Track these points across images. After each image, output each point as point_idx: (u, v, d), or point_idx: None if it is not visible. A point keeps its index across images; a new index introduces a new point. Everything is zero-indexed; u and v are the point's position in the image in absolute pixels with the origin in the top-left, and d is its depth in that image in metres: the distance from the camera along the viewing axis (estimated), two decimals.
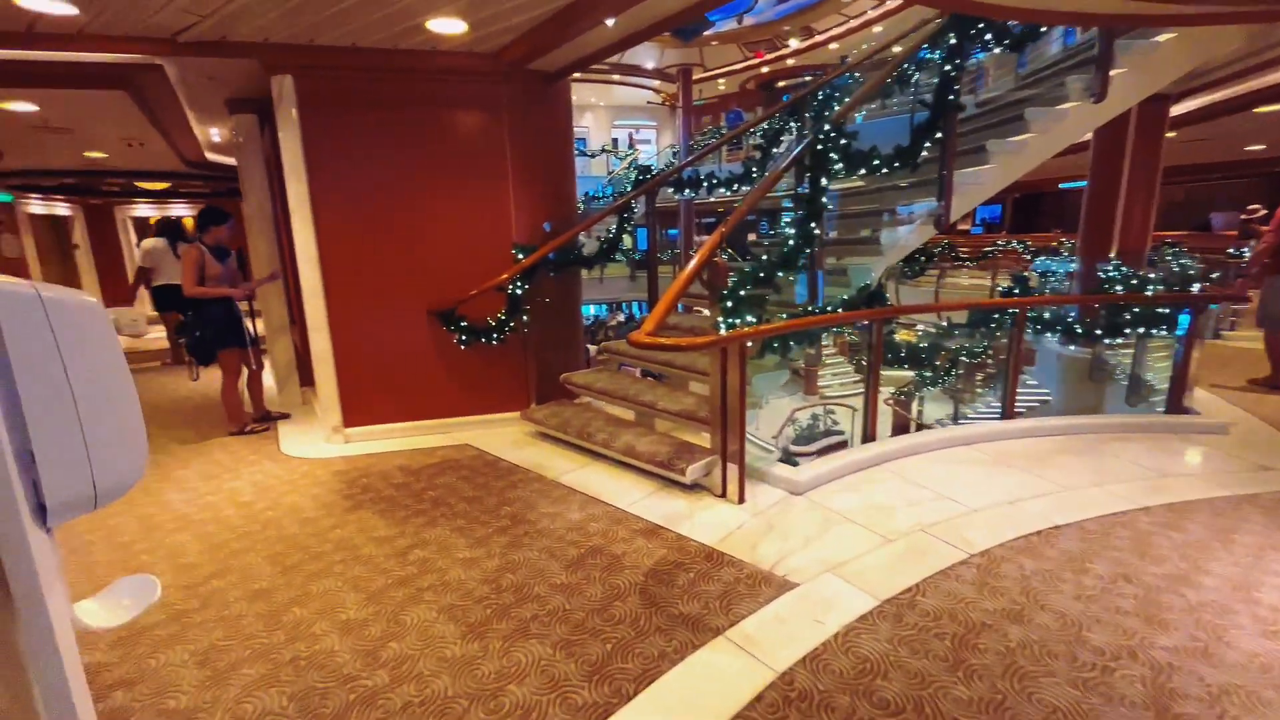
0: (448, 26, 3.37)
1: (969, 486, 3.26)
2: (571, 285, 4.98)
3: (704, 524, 2.99)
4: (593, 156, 18.84)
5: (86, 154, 7.26)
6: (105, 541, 3.07)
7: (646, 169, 4.85)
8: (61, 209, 12.60)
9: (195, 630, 2.32)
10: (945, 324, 4.53)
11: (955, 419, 7.73)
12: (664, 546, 2.80)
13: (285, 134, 4.01)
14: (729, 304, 3.12)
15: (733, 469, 3.18)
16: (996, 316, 4.20)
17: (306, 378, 5.55)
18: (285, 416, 5.12)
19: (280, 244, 5.29)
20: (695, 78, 18.44)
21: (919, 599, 2.33)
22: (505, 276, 4.17)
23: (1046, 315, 4.31)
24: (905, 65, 4.45)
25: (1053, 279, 6.64)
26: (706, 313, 4.24)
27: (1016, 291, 4.17)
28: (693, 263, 3.04)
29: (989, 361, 5.66)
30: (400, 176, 4.19)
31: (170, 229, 7.42)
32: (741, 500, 3.16)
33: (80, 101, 4.77)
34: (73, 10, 2.82)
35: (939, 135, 3.84)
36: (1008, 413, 4.17)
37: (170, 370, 7.28)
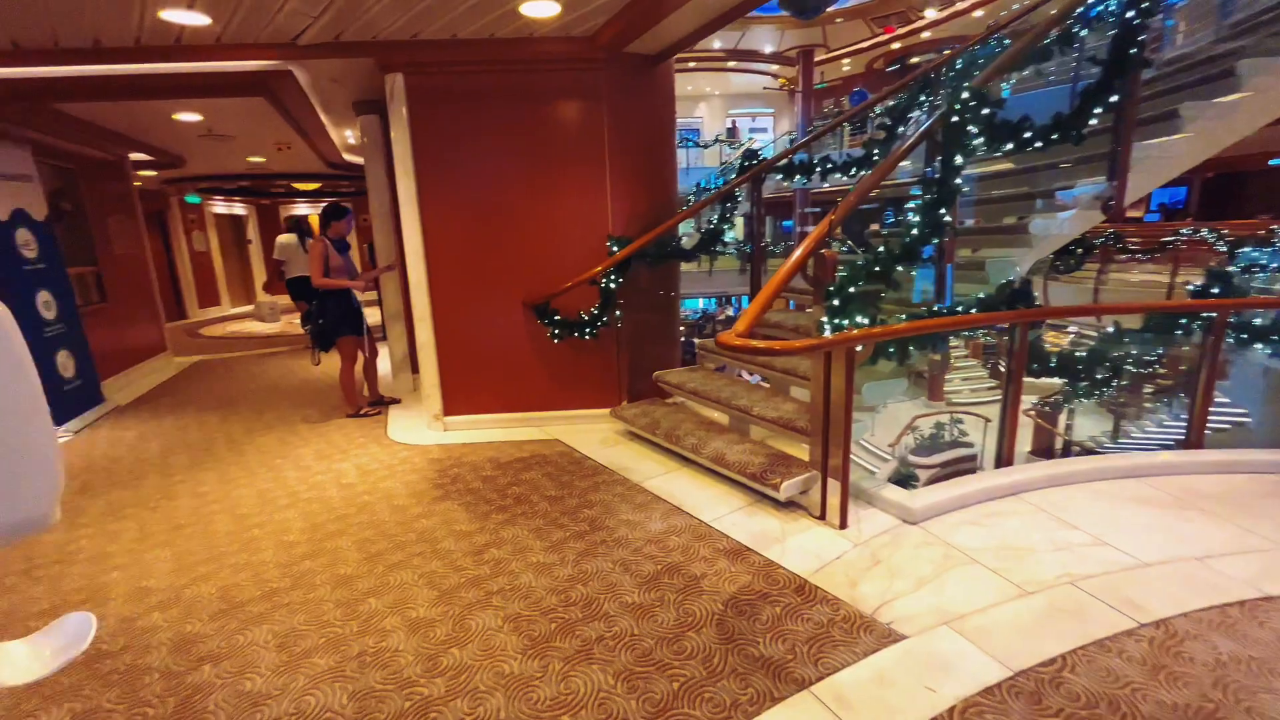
0: (540, 10, 3.27)
1: (1138, 532, 2.64)
2: (668, 278, 4.76)
3: (797, 550, 2.66)
4: (705, 147, 18.49)
5: (249, 159, 8.17)
6: (227, 513, 3.32)
7: (753, 154, 4.51)
8: (239, 208, 14.45)
9: (281, 612, 2.40)
10: (1110, 329, 3.76)
11: (1115, 439, 6.58)
12: (749, 572, 2.51)
13: (396, 131, 4.15)
14: (835, 302, 2.74)
15: (834, 487, 2.81)
16: (1184, 321, 3.40)
17: (418, 365, 5.83)
18: (396, 401, 5.39)
19: (397, 239, 5.56)
20: (817, 59, 17.45)
21: (1066, 675, 1.87)
22: (598, 269, 4.05)
23: (1258, 321, 3.44)
24: (1069, 20, 3.73)
25: (1261, 274, 5.40)
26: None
27: (1215, 291, 3.35)
28: (794, 255, 2.70)
29: (1162, 373, 4.70)
30: (498, 170, 4.20)
31: (298, 226, 8.21)
32: (843, 525, 2.78)
33: (231, 109, 5.30)
34: (206, 20, 3.06)
35: (1114, 99, 3.15)
36: (1194, 440, 3.38)
37: (301, 355, 8.04)
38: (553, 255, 4.31)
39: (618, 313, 4.25)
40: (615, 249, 4.13)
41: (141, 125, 5.88)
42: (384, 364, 6.25)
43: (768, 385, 3.98)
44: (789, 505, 3.04)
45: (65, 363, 5.13)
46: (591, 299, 4.22)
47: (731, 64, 17.56)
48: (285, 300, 13.39)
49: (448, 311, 4.40)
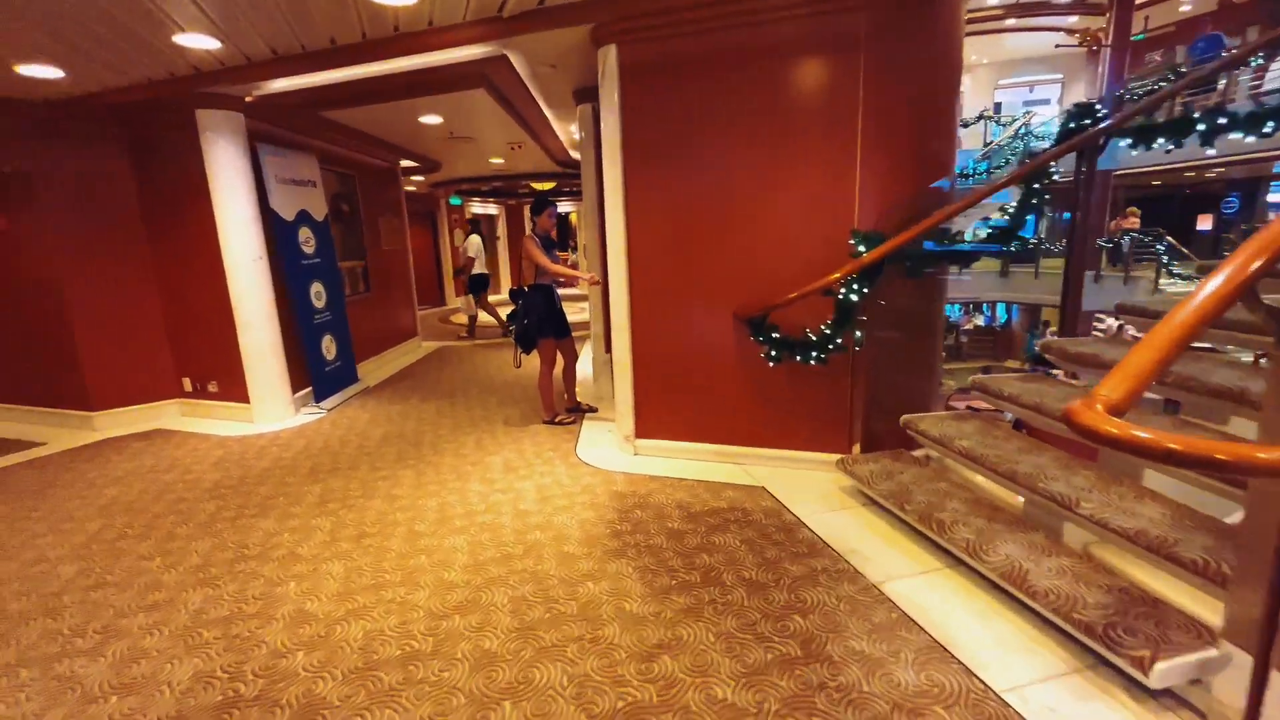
0: None
1: None
2: (931, 290, 3.56)
3: None
4: (965, 126, 15.59)
5: (491, 160, 8.73)
6: (406, 526, 3.15)
7: (1089, 108, 3.04)
8: (491, 208, 16.17)
9: (412, 690, 1.97)
10: None
11: None
12: None
13: (606, 113, 3.66)
14: None
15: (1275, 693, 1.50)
16: None
17: (614, 377, 5.43)
18: (593, 410, 5.04)
19: (601, 238, 5.20)
20: (1139, 1, 13.46)
21: None
22: (836, 276, 3.06)
23: None
24: None
25: None
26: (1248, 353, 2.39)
27: None
28: (1236, 265, 1.44)
29: None
30: (716, 152, 3.45)
31: (479, 226, 9.19)
32: None
33: (465, 109, 5.42)
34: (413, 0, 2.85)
35: None
36: None
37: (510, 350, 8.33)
38: (776, 257, 3.44)
39: (858, 332, 3.21)
40: (862, 248, 3.09)
41: (398, 130, 6.42)
42: (585, 365, 6.01)
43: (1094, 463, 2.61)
44: (1163, 695, 1.76)
45: (329, 346, 5.78)
46: (824, 312, 3.25)
47: (1011, 21, 14.47)
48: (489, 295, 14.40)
49: (647, 321, 3.81)
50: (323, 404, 5.49)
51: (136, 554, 2.98)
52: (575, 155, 8.21)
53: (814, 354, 3.25)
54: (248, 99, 4.58)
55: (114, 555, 2.98)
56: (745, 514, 3.09)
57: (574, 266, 5.18)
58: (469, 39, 3.31)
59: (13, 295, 5.19)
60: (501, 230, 16.61)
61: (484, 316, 9.69)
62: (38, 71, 3.65)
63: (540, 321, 4.50)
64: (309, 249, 5.56)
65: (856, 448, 3.44)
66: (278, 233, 5.15)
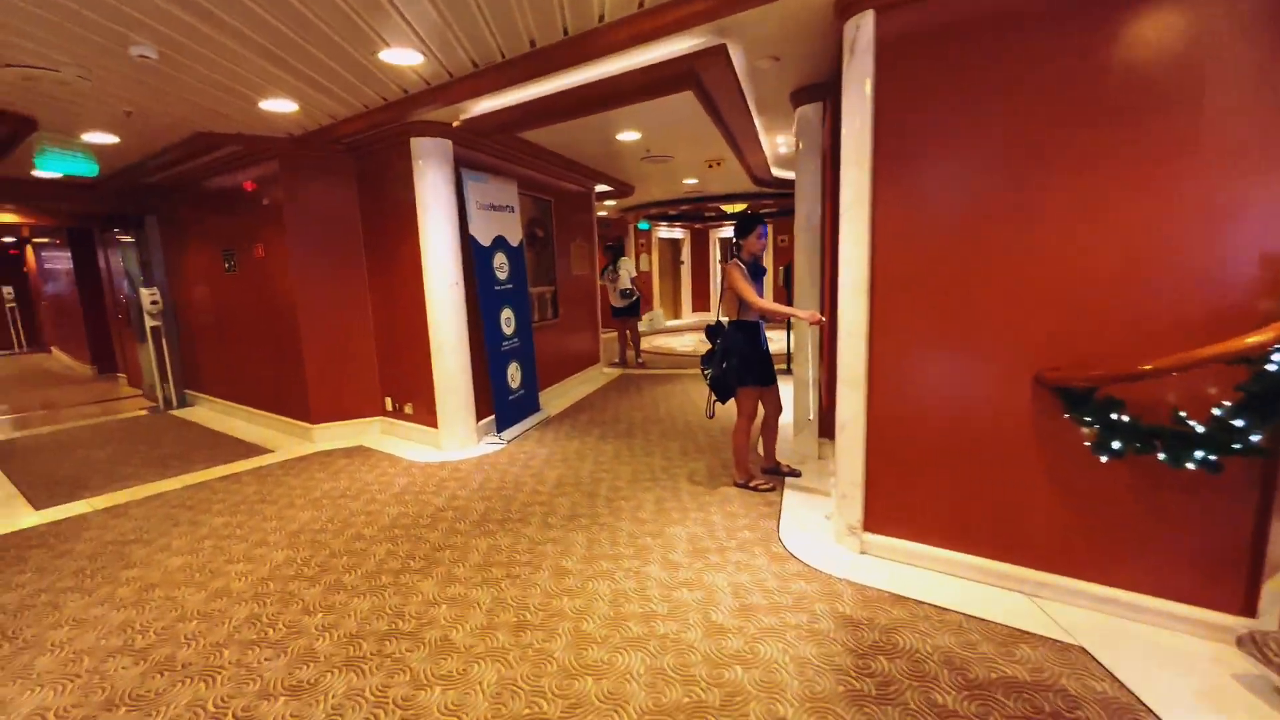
0: None
1: None
2: None
3: None
4: None
5: (685, 181, 8.28)
6: (572, 622, 2.53)
7: None
8: (677, 232, 15.99)
9: None
10: None
11: None
12: None
13: (850, 104, 2.80)
14: None
15: None
16: None
17: (828, 427, 4.43)
18: (795, 474, 4.12)
19: (824, 261, 4.28)
20: None
21: None
22: (1271, 336, 1.82)
23: None
24: None
25: None
26: None
27: None
28: None
29: None
30: (1012, 144, 2.40)
31: (622, 248, 8.87)
32: None
33: (665, 121, 4.91)
34: None
35: None
36: None
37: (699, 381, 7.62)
38: (1120, 298, 2.26)
39: None
40: None
41: (594, 151, 6.16)
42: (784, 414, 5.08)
43: None
44: None
45: (514, 374, 5.62)
46: (1223, 389, 2.01)
47: None
48: (697, 317, 13.90)
49: (892, 374, 2.82)
50: (504, 434, 5.30)
51: (302, 604, 2.76)
52: (777, 173, 7.39)
53: (1200, 454, 2.01)
54: (454, 123, 4.53)
55: (284, 601, 2.79)
56: (1067, 700, 1.96)
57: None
58: (684, 20, 2.70)
59: (266, 316, 5.80)
60: (686, 255, 16.34)
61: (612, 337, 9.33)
62: (276, 106, 3.83)
63: (742, 366, 3.72)
64: (502, 274, 5.46)
65: (1263, 603, 2.10)
66: (474, 258, 5.08)
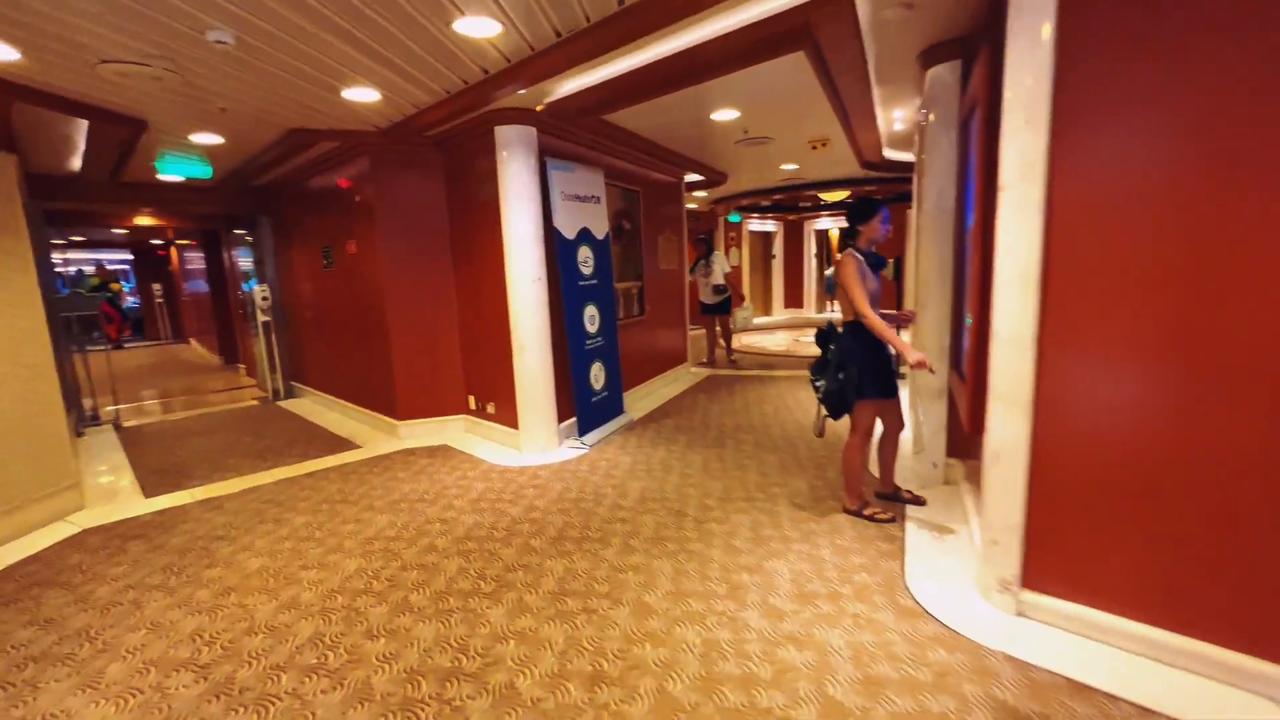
0: None
1: None
2: None
3: None
4: None
5: (782, 166, 7.64)
6: (658, 680, 2.14)
7: None
8: (769, 225, 15.21)
9: None
10: None
11: None
12: None
13: (1018, 51, 2.19)
14: None
15: None
16: None
17: (957, 445, 3.77)
18: (919, 501, 3.51)
19: (960, 250, 3.60)
20: None
21: None
22: None
23: None
24: None
25: None
26: None
27: None
28: None
29: None
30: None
31: (712, 241, 8.31)
32: None
33: (769, 95, 4.39)
34: None
35: None
36: None
37: (799, 383, 6.98)
38: None
39: None
40: None
41: (687, 135, 5.73)
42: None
43: None
44: None
45: (597, 374, 5.32)
46: None
47: None
48: (790, 314, 13.16)
49: (1072, 390, 2.19)
50: (585, 439, 5.01)
51: (367, 625, 2.56)
52: (891, 154, 6.62)
53: None
54: (538, 108, 4.26)
55: (349, 620, 2.61)
56: None
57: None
58: None
59: (358, 312, 5.86)
60: (778, 248, 15.52)
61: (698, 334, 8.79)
62: (358, 95, 3.70)
63: (862, 376, 3.17)
64: (587, 269, 5.16)
65: None
66: (558, 252, 4.81)
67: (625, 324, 6.20)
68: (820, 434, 3.44)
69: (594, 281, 5.25)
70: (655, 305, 6.99)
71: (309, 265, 6.75)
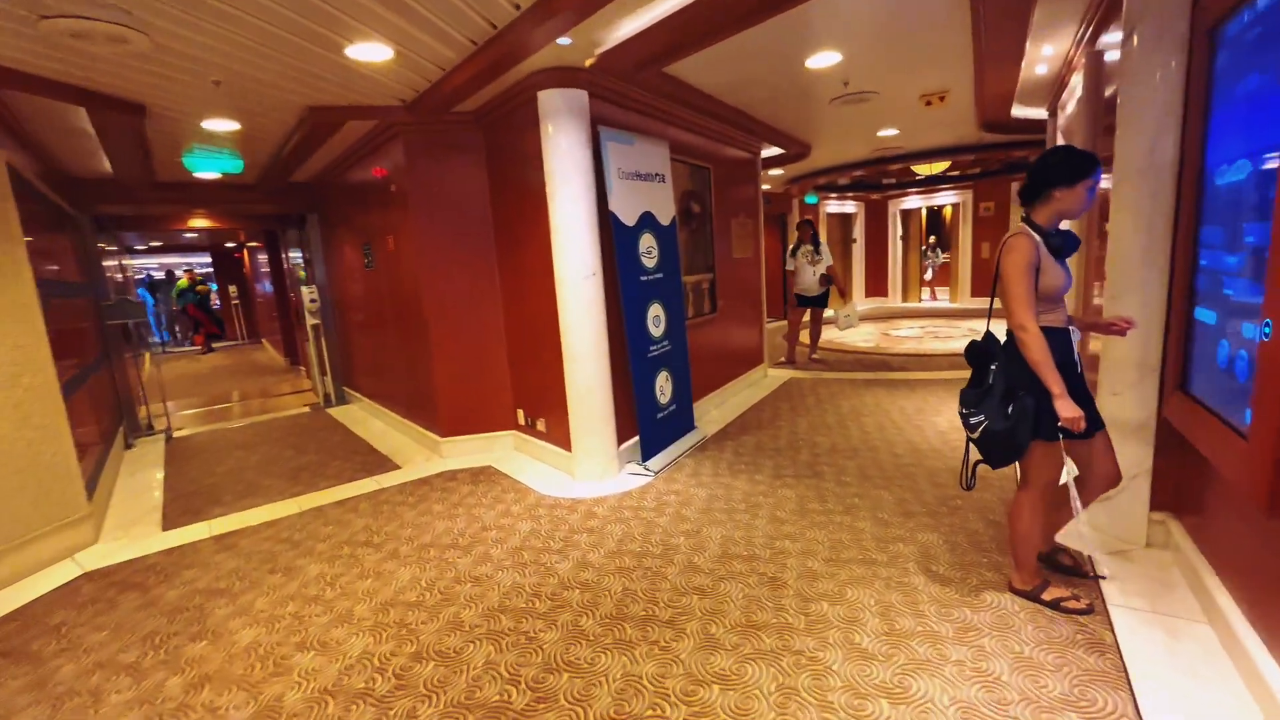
0: None
1: None
2: None
3: None
4: None
5: (879, 133, 6.51)
6: None
7: None
8: (849, 206, 13.85)
9: None
10: None
11: None
12: None
13: None
14: None
15: None
16: None
17: (1168, 495, 2.70)
18: (1099, 576, 2.49)
19: (1189, 224, 2.51)
20: None
21: None
22: None
23: None
24: None
25: None
26: None
27: None
28: None
29: None
30: None
31: (812, 228, 7.36)
32: None
33: (883, 25, 3.38)
34: None
35: None
36: None
37: (898, 392, 5.89)
38: None
39: None
40: None
41: (769, 94, 4.76)
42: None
43: None
44: None
45: (664, 385, 4.50)
46: None
47: None
48: (872, 303, 11.88)
49: None
50: (650, 464, 4.21)
51: None
52: (1022, 112, 5.40)
53: None
54: (588, 63, 3.46)
55: None
56: None
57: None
58: None
59: (398, 314, 5.30)
60: (859, 231, 14.13)
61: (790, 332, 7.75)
62: (366, 52, 3.02)
63: (1042, 407, 2.18)
64: (650, 261, 4.33)
65: None
66: (616, 241, 4.00)
67: (695, 323, 5.34)
68: (969, 487, 2.47)
69: (659, 275, 4.42)
70: (729, 300, 6.09)
71: (354, 264, 6.28)
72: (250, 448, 5.59)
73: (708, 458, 4.42)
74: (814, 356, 7.76)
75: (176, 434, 6.30)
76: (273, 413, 7.12)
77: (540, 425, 4.57)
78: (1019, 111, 5.57)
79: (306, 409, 7.18)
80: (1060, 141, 4.75)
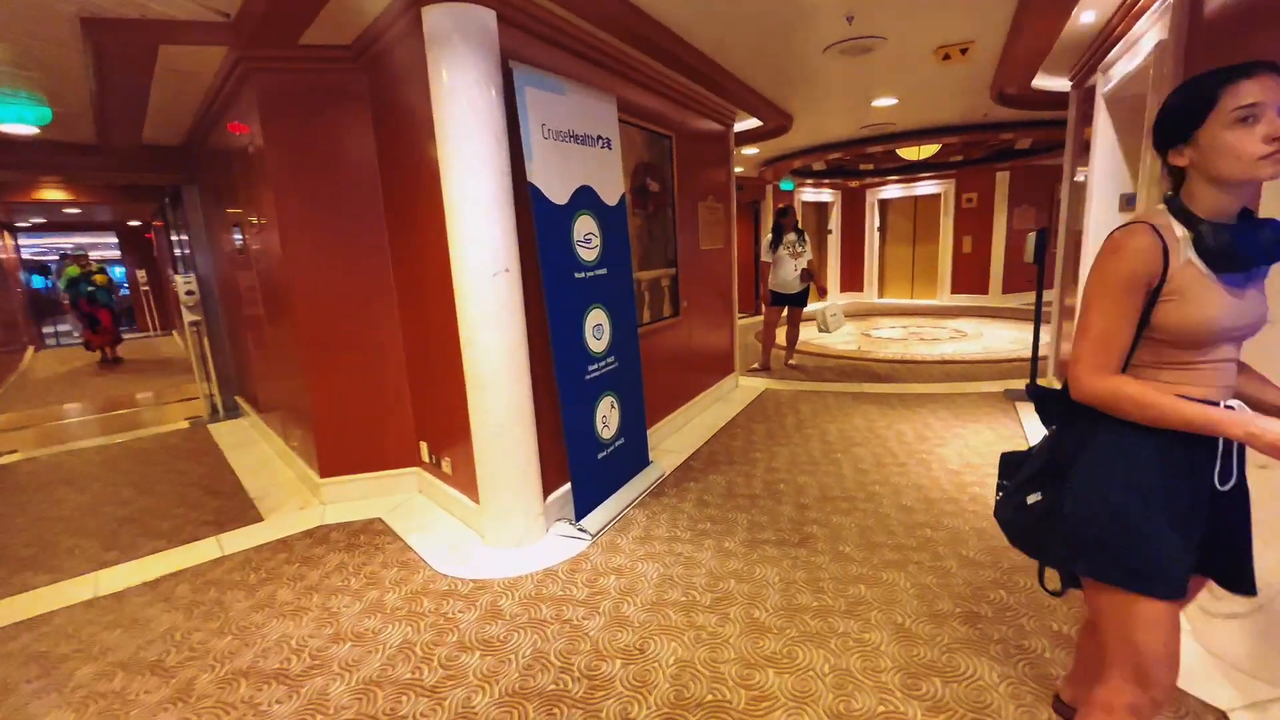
0: None
1: None
2: None
3: None
4: None
5: (874, 102, 5.54)
6: None
7: None
8: (826, 195, 12.99)
9: None
10: None
11: None
12: None
13: None
14: None
15: None
16: None
17: None
18: None
19: None
20: None
21: None
22: None
23: None
24: None
25: None
26: None
27: None
28: None
29: None
30: None
31: (786, 216, 6.30)
32: None
33: None
34: None
35: None
36: None
37: (906, 408, 4.99)
38: None
39: None
40: None
41: (754, 37, 3.71)
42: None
43: None
44: None
45: (607, 414, 3.46)
46: None
47: None
48: (847, 299, 11.08)
49: None
50: (587, 524, 3.18)
51: None
52: (1042, 82, 4.49)
53: None
54: None
55: None
56: None
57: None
58: None
59: (271, 313, 4.14)
60: (835, 222, 13.30)
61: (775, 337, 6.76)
62: None
63: (1098, 526, 1.21)
64: (589, 253, 3.28)
65: None
66: (540, 225, 2.93)
67: (651, 330, 4.32)
68: (1060, 591, 1.49)
69: (601, 271, 3.37)
70: (695, 301, 5.08)
71: (228, 247, 5.05)
72: (82, 484, 4.36)
73: (664, 508, 3.42)
74: (791, 363, 6.84)
75: (1, 459, 5.00)
76: (143, 428, 5.84)
77: (446, 466, 3.49)
78: (1040, 81, 4.67)
79: (186, 424, 5.92)
80: (1104, 114, 3.85)
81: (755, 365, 6.76)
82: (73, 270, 10.22)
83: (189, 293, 5.74)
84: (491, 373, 2.86)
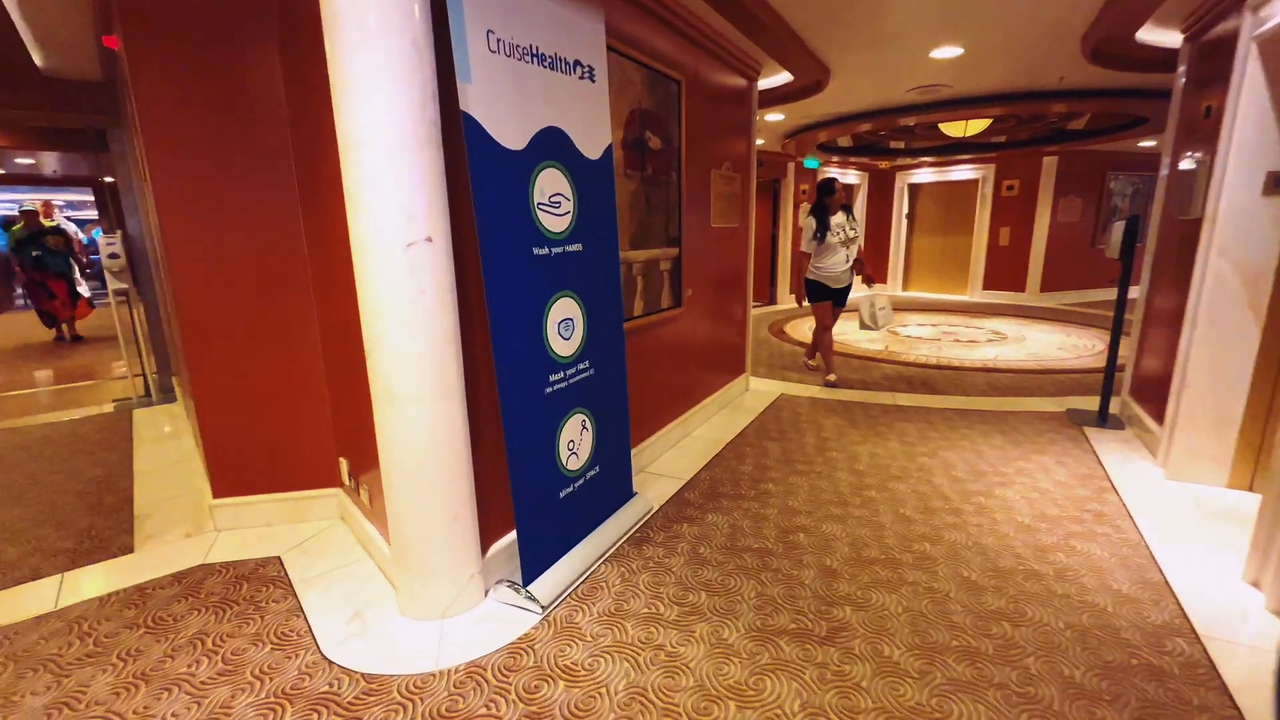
0: None
1: None
2: None
3: None
4: None
5: (933, 53, 4.54)
6: None
7: None
8: (851, 176, 11.97)
9: None
10: None
11: None
12: None
13: None
14: None
15: None
16: None
17: None
18: None
19: None
20: None
21: None
22: None
23: None
24: None
25: None
26: None
27: None
28: None
29: None
30: None
31: (829, 192, 4.99)
32: None
33: None
34: None
35: None
36: None
37: (954, 437, 4.11)
38: None
39: None
40: None
41: None
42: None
43: None
44: None
45: (575, 440, 2.61)
46: None
47: None
48: (890, 292, 10.13)
49: None
50: (538, 589, 2.35)
51: None
52: (1150, 36, 3.52)
53: None
54: None
55: None
56: None
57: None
58: None
59: (166, 286, 3.31)
60: (860, 207, 12.27)
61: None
62: None
63: None
64: (557, 221, 2.41)
65: None
66: (480, 176, 2.05)
67: (644, 325, 3.46)
68: None
69: (574, 246, 2.50)
70: (702, 290, 4.20)
71: (147, 204, 4.22)
72: None
73: (646, 564, 2.59)
74: (830, 379, 5.36)
75: None
76: (60, 411, 5.09)
77: (363, 494, 2.68)
78: (1151, 36, 3.70)
79: (111, 407, 5.15)
80: (1255, 64, 2.90)
81: (811, 362, 5.93)
82: (17, 229, 8.27)
83: (112, 255, 4.92)
84: (407, 384, 2.02)
